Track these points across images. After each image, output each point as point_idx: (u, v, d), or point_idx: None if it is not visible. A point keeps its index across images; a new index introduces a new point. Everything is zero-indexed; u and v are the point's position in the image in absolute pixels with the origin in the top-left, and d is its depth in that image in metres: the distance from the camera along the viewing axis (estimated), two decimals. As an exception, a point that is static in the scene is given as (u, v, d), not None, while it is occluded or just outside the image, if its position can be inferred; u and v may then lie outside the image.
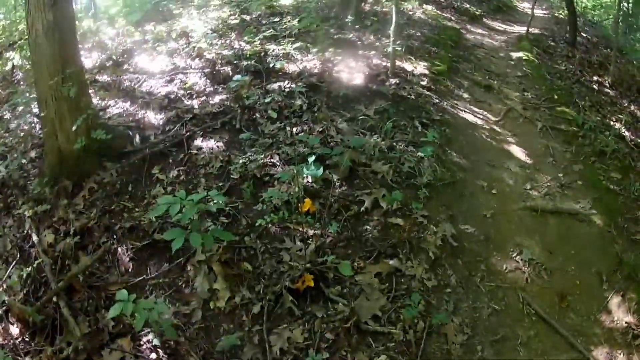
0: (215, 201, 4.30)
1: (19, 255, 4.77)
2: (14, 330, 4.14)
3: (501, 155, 6.64)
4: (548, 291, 4.68)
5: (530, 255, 4.98)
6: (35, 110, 6.20)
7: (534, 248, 5.09)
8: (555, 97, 8.69)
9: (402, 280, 4.40)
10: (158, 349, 3.86)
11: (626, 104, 9.63)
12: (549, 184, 6.12)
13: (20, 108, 6.58)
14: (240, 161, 5.34)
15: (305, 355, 3.77)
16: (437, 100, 7.41)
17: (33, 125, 6.25)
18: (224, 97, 6.51)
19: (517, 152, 6.76)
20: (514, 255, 4.99)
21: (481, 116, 7.64)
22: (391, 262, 4.49)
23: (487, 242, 5.08)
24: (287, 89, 6.62)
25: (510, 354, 4.09)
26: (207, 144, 5.67)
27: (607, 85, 10.31)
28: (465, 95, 8.18)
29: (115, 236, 4.75)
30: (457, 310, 4.32)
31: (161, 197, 4.49)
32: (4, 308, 4.28)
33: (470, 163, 6.22)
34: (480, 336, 4.18)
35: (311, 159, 5.09)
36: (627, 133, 7.98)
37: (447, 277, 4.56)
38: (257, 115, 6.13)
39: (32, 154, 5.82)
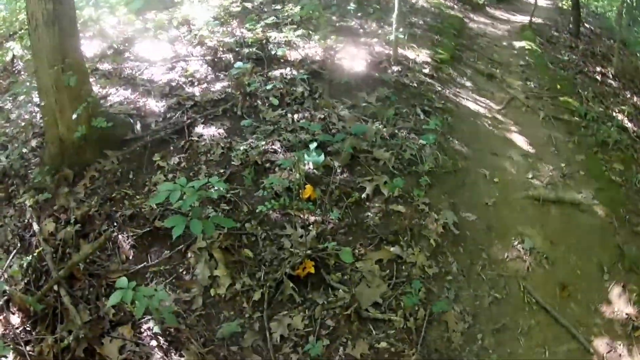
0: (216, 188, 4.26)
1: (19, 245, 4.73)
2: (15, 319, 4.11)
3: (503, 144, 6.61)
4: (549, 281, 4.68)
5: (532, 244, 4.97)
6: (36, 99, 6.17)
7: (535, 237, 5.07)
8: (558, 87, 8.68)
9: (403, 267, 4.39)
10: (159, 337, 3.84)
11: (629, 96, 9.61)
12: (551, 173, 6.11)
13: (21, 98, 6.56)
14: (242, 148, 5.30)
15: (306, 342, 3.77)
16: (439, 88, 7.40)
17: (34, 114, 6.22)
18: (225, 84, 6.47)
19: (520, 141, 6.73)
20: (516, 244, 4.98)
21: (484, 105, 7.61)
22: (392, 249, 4.47)
23: (488, 230, 5.07)
24: (288, 76, 6.59)
25: (511, 344, 4.09)
26: (208, 131, 5.64)
27: (610, 76, 10.28)
28: (468, 84, 8.16)
29: (116, 224, 4.72)
30: (458, 299, 4.32)
31: (162, 184, 4.45)
32: (5, 298, 4.24)
33: (472, 151, 6.20)
34: (481, 325, 4.18)
35: (312, 145, 5.06)
36: (629, 124, 7.98)
37: (448, 264, 4.55)
38: (259, 102, 6.10)
39: (33, 143, 5.80)
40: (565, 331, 4.23)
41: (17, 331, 4.01)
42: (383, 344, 3.82)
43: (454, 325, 4.07)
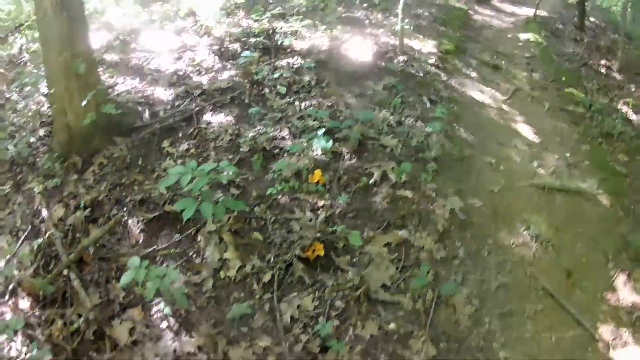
0: (226, 172, 4.29)
1: (29, 229, 4.77)
2: (24, 304, 4.15)
3: (509, 133, 6.63)
4: (555, 267, 4.70)
5: (538, 231, 4.98)
6: (43, 89, 6.22)
7: (541, 224, 5.08)
8: (563, 78, 8.67)
9: (411, 251, 4.43)
10: (169, 318, 3.88)
11: (634, 89, 9.58)
12: (556, 162, 6.12)
13: (28, 88, 6.59)
14: (250, 134, 5.35)
15: (316, 323, 3.80)
16: (445, 78, 7.43)
17: (41, 104, 6.26)
18: (232, 73, 6.51)
19: (525, 131, 6.75)
20: (522, 230, 5.00)
21: (489, 95, 7.62)
22: (400, 233, 4.50)
23: (494, 216, 5.09)
24: (295, 65, 6.63)
25: (518, 328, 4.11)
26: (217, 118, 5.67)
27: (615, 69, 10.26)
28: (473, 74, 8.17)
29: (125, 209, 4.76)
30: (466, 282, 4.34)
31: (172, 168, 4.47)
32: (15, 283, 4.28)
33: (478, 140, 6.22)
34: (488, 309, 4.20)
35: (321, 131, 5.11)
36: (634, 117, 7.97)
37: (455, 249, 4.58)
38: (266, 90, 6.14)
39: (41, 132, 5.83)
40: (571, 317, 4.25)
41: (27, 315, 4.04)
42: (392, 326, 3.86)
43: (461, 309, 4.11)
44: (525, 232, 4.99)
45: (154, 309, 3.96)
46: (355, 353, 3.67)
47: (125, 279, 3.63)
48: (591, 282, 4.63)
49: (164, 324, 3.87)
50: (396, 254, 4.37)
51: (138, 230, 4.59)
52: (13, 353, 3.77)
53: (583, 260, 4.83)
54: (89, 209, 4.77)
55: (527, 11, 13.73)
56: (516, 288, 4.44)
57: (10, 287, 4.27)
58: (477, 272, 4.47)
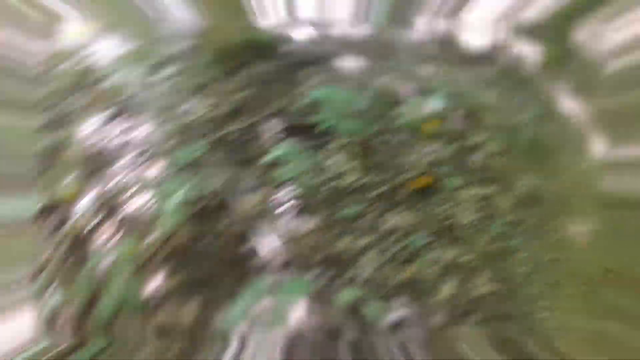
0: (360, 100, 5.03)
1: (167, 114, 5.30)
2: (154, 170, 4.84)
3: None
4: (598, 261, 4.97)
5: (596, 225, 5.24)
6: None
7: (601, 219, 5.29)
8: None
9: (491, 207, 5.03)
10: (292, 201, 4.62)
11: None
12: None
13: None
14: (376, 83, 5.89)
15: (408, 238, 4.54)
16: (546, 78, 7.53)
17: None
18: (365, 31, 6.84)
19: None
20: (582, 219, 5.31)
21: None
22: (486, 190, 5.13)
23: (562, 201, 5.44)
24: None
25: (559, 301, 4.63)
26: (350, 64, 6.20)
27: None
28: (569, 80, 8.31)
29: (260, 115, 5.31)
30: (525, 246, 4.89)
31: (315, 90, 5.20)
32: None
33: (564, 134, 6.23)
34: (539, 275, 4.74)
35: (437, 94, 5.78)
36: None
37: (523, 216, 5.09)
38: (394, 53, 6.56)
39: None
40: (602, 308, 4.62)
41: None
42: (465, 259, 4.55)
43: (518, 266, 4.70)
44: (584, 221, 5.30)
45: (281, 192, 4.67)
46: (431, 271, 4.42)
47: (274, 153, 4.53)
48: (632, 283, 4.79)
49: (285, 206, 4.59)
50: (479, 204, 5.00)
51: (270, 134, 5.17)
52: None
53: (625, 260, 4.93)
54: (226, 108, 5.33)
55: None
56: (564, 267, 4.87)
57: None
58: (536, 241, 4.98)
